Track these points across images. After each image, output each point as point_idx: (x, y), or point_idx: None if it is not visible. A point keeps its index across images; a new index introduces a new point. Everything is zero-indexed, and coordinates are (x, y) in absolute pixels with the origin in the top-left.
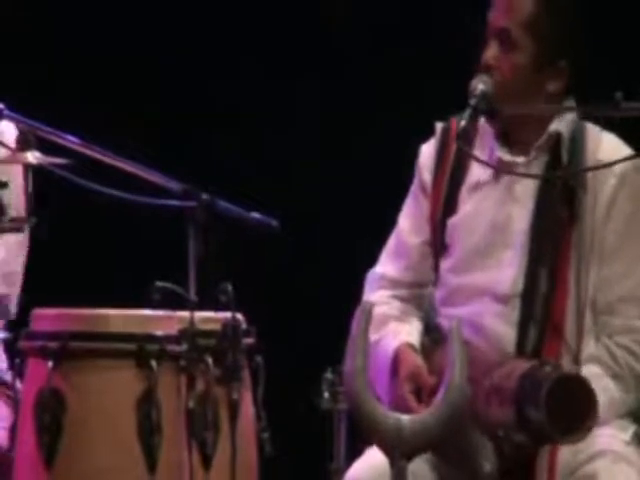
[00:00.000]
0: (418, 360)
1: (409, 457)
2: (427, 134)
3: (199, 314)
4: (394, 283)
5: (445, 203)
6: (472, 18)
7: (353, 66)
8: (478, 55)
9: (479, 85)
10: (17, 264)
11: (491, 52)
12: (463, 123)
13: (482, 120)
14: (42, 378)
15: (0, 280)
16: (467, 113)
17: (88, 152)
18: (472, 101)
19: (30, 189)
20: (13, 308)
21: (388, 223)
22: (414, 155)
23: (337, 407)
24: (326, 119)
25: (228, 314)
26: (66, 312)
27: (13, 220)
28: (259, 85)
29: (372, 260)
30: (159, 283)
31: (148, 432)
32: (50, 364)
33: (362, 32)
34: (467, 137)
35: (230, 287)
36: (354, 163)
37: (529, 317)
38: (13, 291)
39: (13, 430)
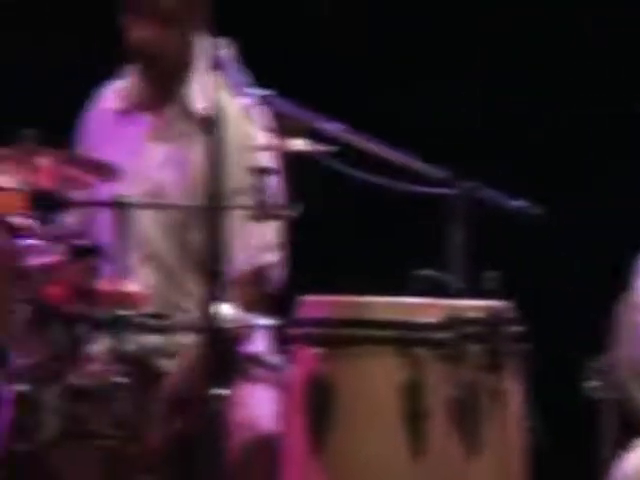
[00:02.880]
0: None
1: None
2: None
3: (464, 302)
4: None
5: None
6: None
7: None
8: None
9: None
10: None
11: None
12: None
13: None
14: (309, 365)
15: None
16: None
17: (350, 139)
18: None
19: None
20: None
21: None
22: None
23: (607, 396)
24: None
25: (495, 302)
26: (332, 299)
27: (277, 208)
28: None
29: None
30: (421, 271)
31: (413, 420)
32: (317, 350)
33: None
34: None
35: (497, 275)
36: None
37: None
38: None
39: (280, 416)
